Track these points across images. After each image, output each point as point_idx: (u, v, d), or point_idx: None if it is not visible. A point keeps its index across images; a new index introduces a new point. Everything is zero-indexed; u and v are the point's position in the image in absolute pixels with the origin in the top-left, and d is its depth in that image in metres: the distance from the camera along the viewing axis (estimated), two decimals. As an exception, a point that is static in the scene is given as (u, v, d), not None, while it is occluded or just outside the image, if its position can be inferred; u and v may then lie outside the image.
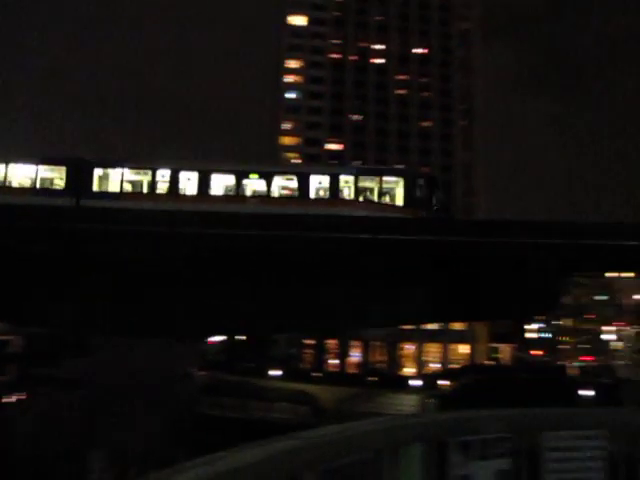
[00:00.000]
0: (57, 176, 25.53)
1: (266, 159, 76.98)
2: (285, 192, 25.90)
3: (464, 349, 67.10)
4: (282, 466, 2.90)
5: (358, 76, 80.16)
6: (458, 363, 61.25)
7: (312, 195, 25.45)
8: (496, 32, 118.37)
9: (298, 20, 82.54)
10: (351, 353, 66.26)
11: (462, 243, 22.31)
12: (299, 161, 73.78)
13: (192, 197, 25.05)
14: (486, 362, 63.47)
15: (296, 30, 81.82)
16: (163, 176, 25.41)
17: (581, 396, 36.81)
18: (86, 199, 24.06)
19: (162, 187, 25.40)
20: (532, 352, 75.08)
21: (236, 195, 25.27)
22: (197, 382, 41.20)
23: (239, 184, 25.42)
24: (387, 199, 25.63)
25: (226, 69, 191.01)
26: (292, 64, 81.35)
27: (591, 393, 36.61)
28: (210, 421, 31.28)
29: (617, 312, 72.88)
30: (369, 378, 50.58)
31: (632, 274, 40.89)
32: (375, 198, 25.59)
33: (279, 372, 48.00)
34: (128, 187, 25.57)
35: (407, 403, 36.15)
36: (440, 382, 43.28)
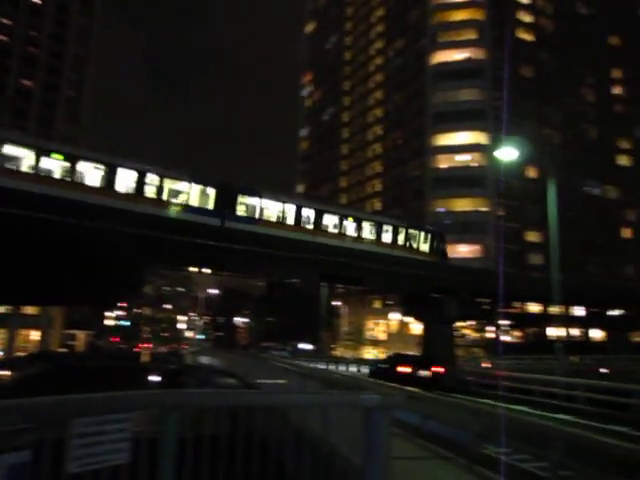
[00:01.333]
0: (207, 197, 27.24)
1: None
2: (368, 234, 33.15)
3: (35, 335, 62.14)
4: None
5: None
6: (27, 351, 56.29)
7: (384, 240, 33.43)
8: (129, 18, 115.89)
9: None
10: None
11: (47, 222, 20.48)
12: None
13: (309, 230, 30.48)
14: (60, 349, 60.32)
15: None
16: (290, 210, 30.14)
17: (150, 381, 38.86)
18: (229, 221, 27.14)
19: (289, 219, 29.88)
20: (111, 339, 75.16)
21: (338, 233, 31.69)
22: None
23: (341, 224, 31.99)
24: (421, 247, 35.49)
25: None
26: None
27: (158, 379, 39.06)
28: None
29: (193, 303, 79.43)
30: None
31: (209, 270, 44.86)
32: (414, 245, 35.16)
33: None
34: (263, 214, 29.09)
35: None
36: (1, 372, 38.82)
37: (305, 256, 30.02)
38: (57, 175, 23.98)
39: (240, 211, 28.39)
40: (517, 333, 66.89)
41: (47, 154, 24.00)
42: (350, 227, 32.68)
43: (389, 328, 75.81)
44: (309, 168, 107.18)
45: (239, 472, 4.62)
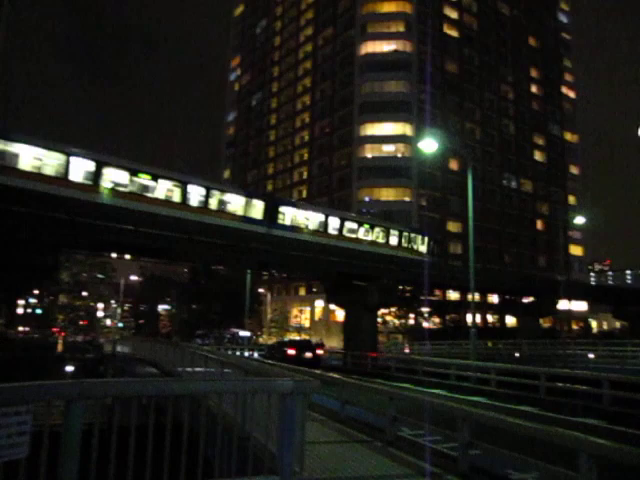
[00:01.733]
0: (257, 209, 31.06)
1: None
2: (379, 239, 37.52)
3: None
4: None
5: None
6: None
7: (391, 242, 37.99)
8: None
9: None
10: None
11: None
12: None
13: (335, 236, 34.29)
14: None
15: None
16: (317, 217, 34.41)
17: (66, 371, 37.32)
18: (274, 229, 31.04)
19: (316, 226, 33.78)
20: (22, 328, 71.12)
21: (356, 238, 35.82)
22: None
23: (358, 229, 36.35)
24: (420, 248, 40.63)
25: None
26: None
27: (71, 369, 37.68)
28: None
29: (113, 291, 76.60)
30: None
31: (127, 256, 43.34)
32: (415, 246, 40.06)
33: None
34: (298, 222, 32.97)
35: None
36: None
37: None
38: (142, 193, 26.76)
39: (280, 220, 32.05)
40: (437, 319, 69.30)
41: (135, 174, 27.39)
42: (365, 232, 38.48)
43: (314, 315, 76.48)
44: (235, 153, 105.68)
45: (149, 461, 4.46)
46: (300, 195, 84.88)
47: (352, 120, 77.31)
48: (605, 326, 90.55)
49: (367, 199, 73.31)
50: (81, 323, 70.72)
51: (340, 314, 54.40)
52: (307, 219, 33.90)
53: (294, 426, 5.23)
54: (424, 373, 22.13)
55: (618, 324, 77.39)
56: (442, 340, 46.96)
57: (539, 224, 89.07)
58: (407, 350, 48.35)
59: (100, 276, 68.37)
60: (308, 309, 77.98)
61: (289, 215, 32.84)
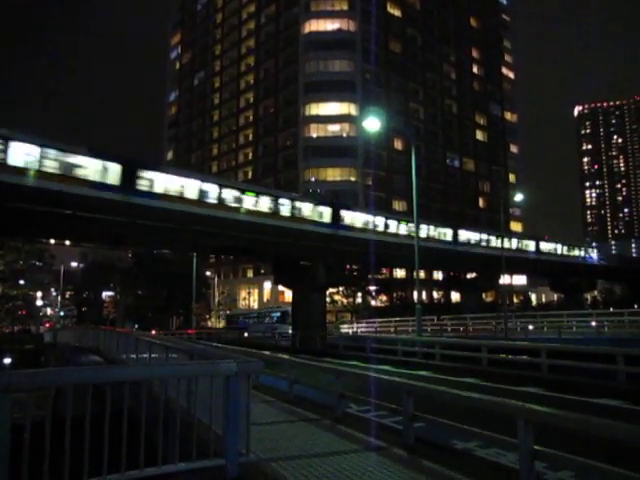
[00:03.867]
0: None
1: None
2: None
3: None
4: None
5: None
6: None
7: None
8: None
9: None
10: None
11: None
12: None
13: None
14: None
15: None
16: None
17: (3, 364, 36.03)
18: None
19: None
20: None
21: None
22: None
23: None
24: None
25: None
26: None
27: (8, 360, 36.50)
28: None
29: (52, 278, 73.97)
30: None
31: (69, 242, 42.00)
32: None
33: None
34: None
35: None
36: None
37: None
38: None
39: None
40: (385, 297, 70.43)
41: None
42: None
43: (262, 296, 76.31)
44: (178, 134, 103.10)
45: (86, 450, 4.32)
46: (246, 176, 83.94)
47: (297, 99, 76.70)
48: (543, 299, 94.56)
49: (313, 179, 73.23)
50: (20, 313, 67.87)
51: (289, 295, 54.42)
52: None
53: (239, 407, 5.18)
54: (372, 350, 22.46)
55: (555, 296, 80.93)
56: (390, 317, 47.80)
57: (481, 202, 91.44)
58: (355, 328, 48.98)
59: (38, 263, 65.62)
60: (256, 291, 77.72)
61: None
